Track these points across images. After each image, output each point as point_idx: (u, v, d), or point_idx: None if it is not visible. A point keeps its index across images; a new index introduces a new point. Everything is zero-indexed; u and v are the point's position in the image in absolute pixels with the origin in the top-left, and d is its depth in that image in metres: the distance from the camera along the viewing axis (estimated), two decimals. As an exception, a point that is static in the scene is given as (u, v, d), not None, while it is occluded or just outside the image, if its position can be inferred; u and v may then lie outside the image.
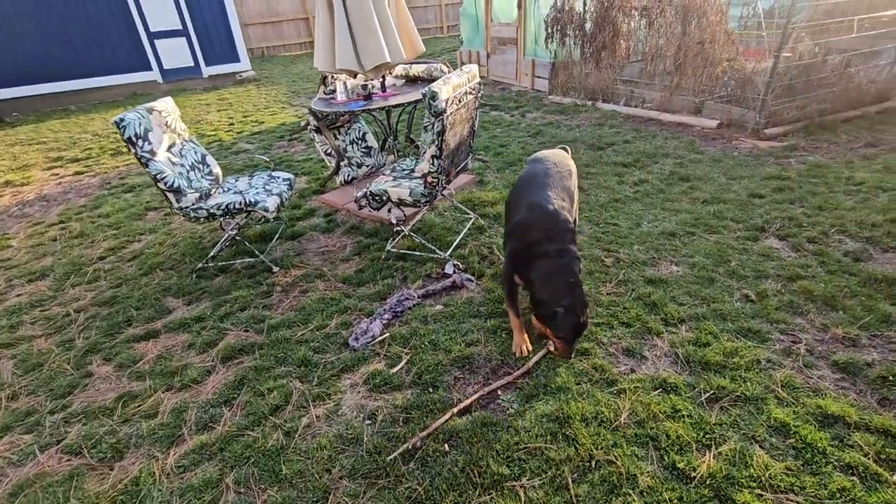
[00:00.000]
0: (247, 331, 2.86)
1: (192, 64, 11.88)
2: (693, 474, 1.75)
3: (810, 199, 3.73)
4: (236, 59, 12.34)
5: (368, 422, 2.14)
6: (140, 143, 3.07)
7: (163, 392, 2.43)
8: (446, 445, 1.97)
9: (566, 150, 2.94)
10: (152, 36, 11.27)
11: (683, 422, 1.97)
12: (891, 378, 2.09)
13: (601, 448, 1.88)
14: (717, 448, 1.85)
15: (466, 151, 3.54)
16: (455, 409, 2.11)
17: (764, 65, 5.29)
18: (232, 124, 8.06)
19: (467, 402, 2.15)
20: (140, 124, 3.08)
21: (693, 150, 4.96)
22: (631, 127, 5.92)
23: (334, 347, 2.64)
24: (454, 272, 3.19)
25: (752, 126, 5.23)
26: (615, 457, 1.84)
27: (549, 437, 1.95)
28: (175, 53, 11.63)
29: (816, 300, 2.62)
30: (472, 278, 3.12)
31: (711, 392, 2.10)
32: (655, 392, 2.13)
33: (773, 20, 5.49)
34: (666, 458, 1.83)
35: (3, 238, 4.47)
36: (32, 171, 6.55)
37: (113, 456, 2.08)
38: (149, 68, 11.45)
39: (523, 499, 1.72)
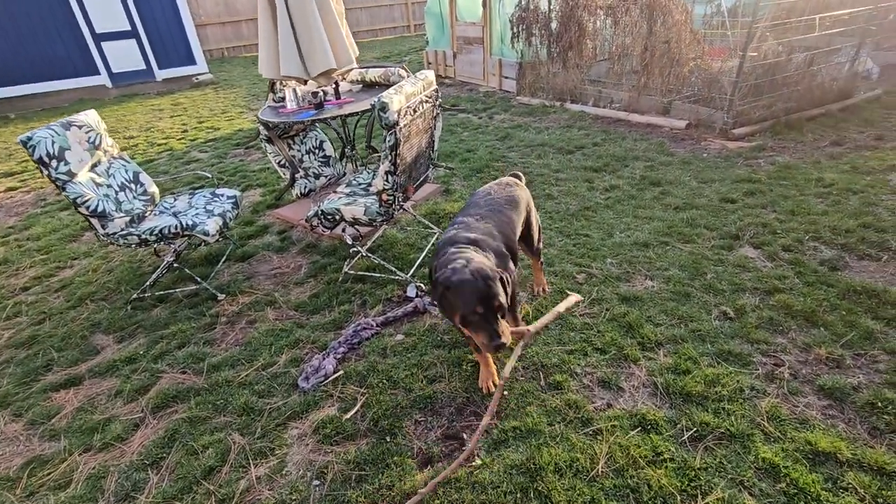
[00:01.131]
0: (184, 372, 2.55)
1: (144, 67, 11.25)
2: (679, 536, 1.56)
3: (782, 202, 3.64)
4: (192, 61, 11.76)
5: (317, 483, 1.88)
6: (54, 163, 2.71)
7: (79, 454, 2.11)
8: (403, 510, 1.73)
9: (518, 178, 2.60)
10: (98, 38, 10.61)
11: (666, 468, 1.78)
12: (879, 405, 1.95)
13: (577, 506, 1.67)
14: (703, 499, 1.67)
15: (426, 164, 3.29)
16: (466, 454, 1.87)
17: (730, 64, 5.23)
18: (185, 131, 7.60)
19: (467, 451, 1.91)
20: (54, 142, 2.73)
21: (663, 153, 4.85)
22: (600, 128, 5.79)
23: (282, 389, 2.36)
24: (416, 295, 2.95)
25: (720, 126, 5.16)
26: (593, 516, 1.63)
27: (518, 495, 1.73)
28: (125, 56, 10.99)
29: (797, 316, 2.49)
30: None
31: (694, 430, 1.92)
32: (634, 431, 1.94)
33: (738, 19, 5.44)
34: (650, 515, 1.63)
35: (-85, 268, 3.99)
36: (-42, 188, 5.98)
37: (10, 542, 1.76)
38: (96, 72, 10.79)
39: (490, 575, 1.49)
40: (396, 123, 2.51)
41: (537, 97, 7.28)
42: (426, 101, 2.88)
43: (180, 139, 7.18)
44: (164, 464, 2.03)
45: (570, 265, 3.11)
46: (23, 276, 3.70)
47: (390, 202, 2.81)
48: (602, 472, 1.79)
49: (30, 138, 2.62)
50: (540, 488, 1.73)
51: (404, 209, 3.15)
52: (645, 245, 3.26)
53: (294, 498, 1.82)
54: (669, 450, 1.85)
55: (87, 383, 2.55)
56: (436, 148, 3.37)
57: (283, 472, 1.94)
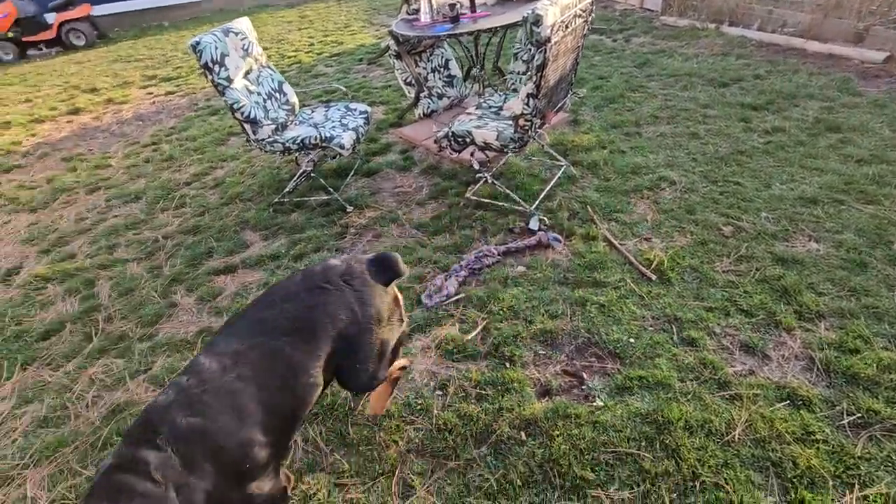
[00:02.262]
0: (319, 274, 2.78)
1: (275, -22, 11.53)
2: (829, 521, 1.43)
3: None
4: (318, -29, 11.79)
5: (439, 393, 2.00)
6: (217, 68, 2.91)
7: (239, 332, 2.44)
8: (523, 434, 1.79)
9: (388, 264, 1.59)
10: (237, -53, 10.96)
11: (817, 448, 1.61)
12: None
13: (708, 466, 1.59)
14: (861, 490, 1.50)
15: (566, 88, 3.04)
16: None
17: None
18: (312, 45, 7.81)
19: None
20: (216, 48, 2.91)
21: (847, 92, 4.01)
22: (764, 58, 4.91)
23: (407, 303, 2.49)
24: (539, 228, 2.86)
25: (935, 61, 4.10)
26: (725, 480, 1.55)
27: (643, 443, 1.69)
28: (258, -34, 11.30)
29: None
30: (560, 238, 2.78)
31: (858, 415, 1.70)
32: (781, 404, 1.77)
33: None
34: (792, 492, 1.51)
35: (105, 157, 4.71)
36: (131, 90, 6.81)
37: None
38: (234, -17, 11.29)
39: (609, 512, 1.51)
40: (548, 40, 2.29)
41: (686, 17, 6.30)
42: (579, 16, 2.58)
43: (308, 52, 7.40)
44: (306, 352, 2.28)
45: (714, 215, 2.79)
46: (185, 173, 4.20)
47: (527, 128, 2.66)
48: (739, 438, 1.67)
49: (198, 43, 2.82)
50: (667, 442, 1.68)
51: (537, 137, 2.99)
52: (812, 201, 2.80)
53: (419, 402, 1.96)
54: (823, 431, 1.67)
55: (241, 272, 2.89)
56: (577, 71, 3.08)
57: (409, 378, 2.08)
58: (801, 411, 1.74)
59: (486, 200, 3.17)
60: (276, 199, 3.49)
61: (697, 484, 1.55)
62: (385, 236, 3.04)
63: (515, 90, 3.34)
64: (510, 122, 2.77)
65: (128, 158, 4.65)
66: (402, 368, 1.89)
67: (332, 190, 3.40)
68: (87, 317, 2.64)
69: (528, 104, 2.55)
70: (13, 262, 3.20)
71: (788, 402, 1.78)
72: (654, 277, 2.42)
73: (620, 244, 2.67)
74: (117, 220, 3.60)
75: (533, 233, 2.84)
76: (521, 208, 3.02)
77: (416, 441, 1.81)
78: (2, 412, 2.12)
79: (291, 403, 1.31)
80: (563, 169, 3.35)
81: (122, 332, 2.53)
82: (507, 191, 3.08)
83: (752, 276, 2.35)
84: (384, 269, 1.56)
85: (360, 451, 1.80)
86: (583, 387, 1.98)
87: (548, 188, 3.17)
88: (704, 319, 2.15)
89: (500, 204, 3.10)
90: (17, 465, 1.89)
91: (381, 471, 1.72)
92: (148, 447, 1.05)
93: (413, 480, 1.68)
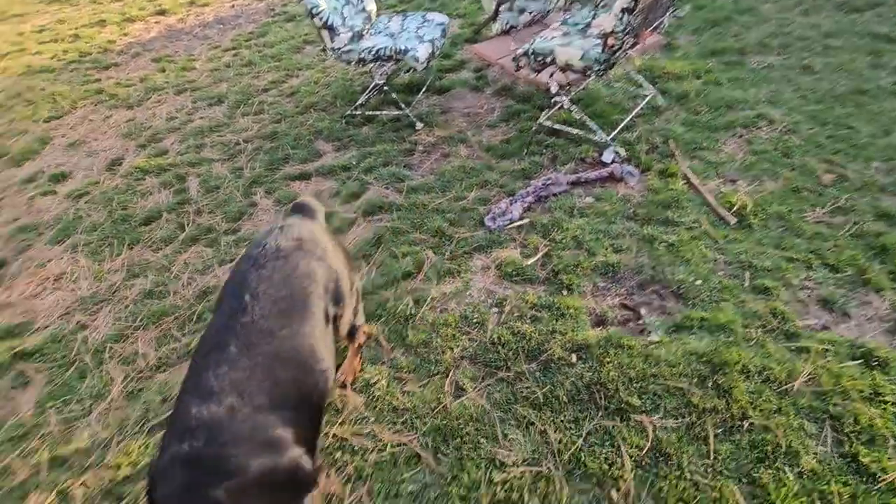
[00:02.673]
0: (387, 188, 2.86)
1: None
2: (881, 476, 1.42)
3: None
4: None
5: (495, 310, 2.08)
6: (298, -32, 2.85)
7: (311, 235, 2.61)
8: (574, 356, 1.85)
9: (304, 210, 1.56)
10: None
11: (884, 409, 1.56)
12: None
13: (760, 410, 1.60)
14: (924, 454, 1.46)
15: (667, 5, 2.73)
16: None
17: None
18: (389, -52, 7.36)
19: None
20: (299, -55, 2.82)
21: None
22: (917, -21, 4.10)
23: (470, 223, 2.53)
24: (614, 160, 2.74)
25: None
26: (776, 425, 1.55)
27: (695, 380, 1.71)
28: None
29: None
30: (635, 172, 2.65)
31: (939, 384, 1.61)
32: (853, 362, 1.70)
33: None
34: (847, 445, 1.50)
35: (190, 59, 4.88)
36: (211, -8, 6.84)
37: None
38: None
39: (650, 436, 1.57)
40: (656, -57, 2.03)
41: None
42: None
43: (385, -43, 7.01)
44: (372, 259, 2.41)
45: (815, 160, 2.53)
46: (263, 79, 4.29)
47: (616, 48, 2.45)
48: (799, 389, 1.64)
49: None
50: (721, 382, 1.68)
51: (625, 60, 2.76)
52: (939, 154, 2.46)
53: (475, 316, 2.05)
54: (895, 394, 1.60)
55: (314, 180, 3.03)
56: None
57: (467, 293, 2.17)
58: (875, 372, 1.66)
59: (560, 127, 3.03)
60: (349, 112, 3.53)
61: (745, 424, 1.57)
62: (453, 156, 3.03)
63: (606, 5, 3.04)
64: (598, 41, 2.56)
65: (210, 62, 4.79)
66: (368, 336, 1.91)
67: (402, 105, 3.37)
68: (180, 208, 2.91)
69: (621, 20, 2.33)
70: (116, 154, 3.52)
71: (862, 361, 1.70)
72: (733, 221, 2.28)
73: (701, 184, 2.51)
74: (202, 122, 3.80)
75: (606, 165, 2.73)
76: (596, 138, 2.88)
77: (470, 350, 1.92)
78: (115, 282, 2.46)
79: (313, 392, 1.20)
80: (648, 98, 3.10)
81: (209, 224, 2.77)
82: (585, 118, 2.92)
83: (846, 231, 2.16)
84: (305, 213, 1.53)
85: (417, 352, 1.95)
86: (639, 321, 1.98)
87: (629, 118, 2.97)
88: (782, 270, 2.04)
89: (575, 132, 2.97)
90: (130, 326, 2.21)
91: (435, 371, 1.87)
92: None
93: (465, 384, 1.81)
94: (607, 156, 2.77)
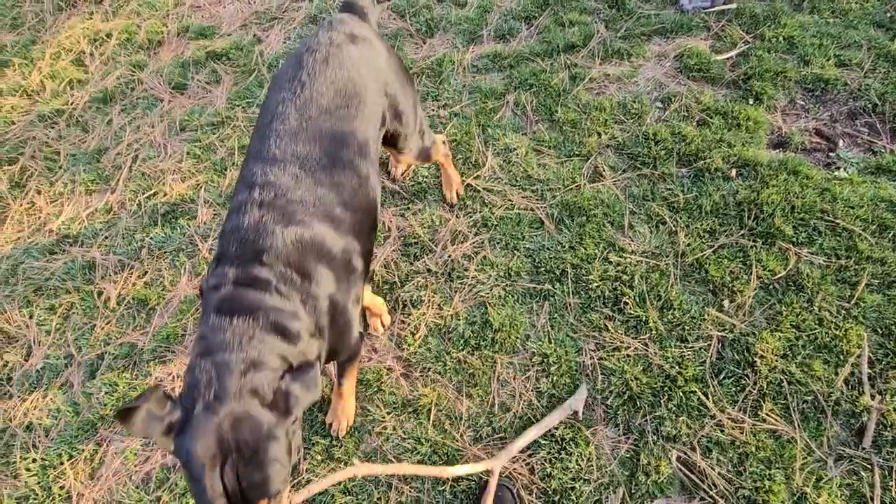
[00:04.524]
0: (569, -62, 2.38)
1: None
2: None
3: None
4: None
5: (659, 105, 1.87)
6: None
7: (474, -17, 2.37)
8: (733, 172, 1.67)
9: (358, 10, 1.28)
10: None
11: None
12: None
13: (939, 274, 1.40)
14: None
15: None
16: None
17: None
18: None
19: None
20: None
21: None
22: None
23: (659, 2, 2.10)
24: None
25: None
26: (951, 293, 1.37)
27: (872, 227, 1.50)
28: None
29: None
30: (923, -41, 1.90)
31: None
32: None
33: None
34: None
35: None
36: None
37: (426, 31, 2.26)
38: None
39: (791, 265, 1.48)
40: None
41: None
42: None
43: None
44: (535, 23, 2.18)
45: None
46: None
47: None
48: None
49: None
50: (905, 236, 1.46)
51: None
52: None
53: (634, 107, 1.87)
54: None
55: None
56: None
57: (633, 81, 1.94)
58: None
59: None
60: None
61: (911, 283, 1.41)
62: None
63: None
64: None
65: None
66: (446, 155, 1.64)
67: None
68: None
69: None
70: None
71: None
72: None
73: None
74: None
75: (882, -58, 1.97)
76: None
77: (619, 140, 1.81)
78: (284, 2, 2.52)
79: (366, 205, 1.13)
80: None
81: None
82: None
83: None
84: (356, 11, 1.29)
85: (563, 130, 1.88)
86: (831, 154, 1.69)
87: None
88: None
89: None
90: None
91: (577, 153, 1.82)
92: (259, 266, 0.93)
93: (604, 170, 1.76)
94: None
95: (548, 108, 1.94)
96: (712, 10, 2.01)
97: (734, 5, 1.99)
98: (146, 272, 1.79)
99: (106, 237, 1.90)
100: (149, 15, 2.63)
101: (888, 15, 1.85)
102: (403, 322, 1.57)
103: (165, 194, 1.97)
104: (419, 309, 1.58)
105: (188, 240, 1.85)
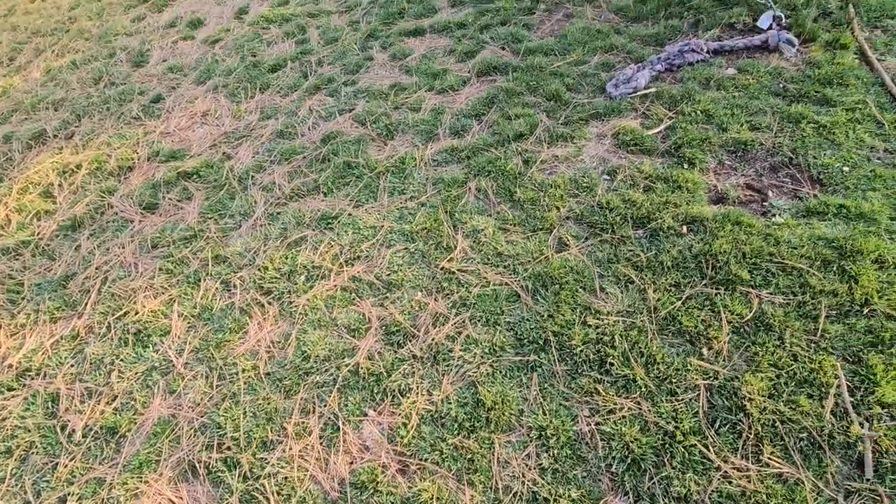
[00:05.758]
0: (503, 48, 2.74)
1: None
2: None
3: None
4: None
5: (607, 177, 2.05)
6: None
7: (425, 91, 2.64)
8: (684, 228, 1.82)
9: None
10: None
11: None
12: None
13: (886, 299, 1.51)
14: None
15: None
16: (709, 195, 1.85)
17: None
18: None
19: (727, 192, 1.84)
20: None
21: None
22: None
23: (589, 89, 2.40)
24: (770, 27, 2.36)
25: None
26: (902, 315, 1.48)
27: (817, 263, 1.62)
28: None
29: None
30: (795, 41, 2.29)
31: None
32: None
33: None
34: (982, 344, 1.40)
35: None
36: None
37: (387, 134, 2.46)
38: None
39: (754, 308, 1.57)
40: None
41: None
42: None
43: None
44: (484, 119, 2.42)
45: None
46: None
47: None
48: (941, 285, 1.51)
49: None
50: (847, 268, 1.59)
51: None
52: None
53: (585, 181, 2.05)
54: None
55: (428, 36, 2.96)
56: None
57: (579, 159, 2.14)
58: None
59: (711, -15, 2.62)
60: (468, -37, 3.28)
61: (866, 310, 1.50)
62: (577, 17, 2.79)
63: None
64: None
65: None
66: None
67: (528, -45, 3.06)
68: (303, 57, 3.03)
69: None
70: (242, 2, 3.65)
71: None
72: (910, 104, 1.95)
73: (879, 59, 2.12)
74: (319, -27, 3.75)
75: (760, 31, 2.37)
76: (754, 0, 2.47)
77: (577, 211, 1.95)
78: (252, 122, 2.72)
79: None
80: (833, -50, 2.53)
81: (330, 75, 2.88)
82: (744, -27, 2.48)
83: None
84: None
85: (524, 208, 2.02)
86: (764, 203, 1.87)
87: (801, -24, 2.48)
88: (960, 163, 1.76)
89: (728, -9, 2.55)
90: (266, 160, 2.49)
91: (541, 227, 1.94)
92: None
93: (568, 240, 1.87)
94: (764, 21, 2.39)
95: (507, 190, 2.09)
96: (636, 94, 2.30)
97: (653, 89, 2.29)
98: (115, 397, 1.70)
99: (72, 365, 1.81)
100: (119, 144, 2.75)
101: (781, 86, 2.17)
102: (394, 413, 1.53)
103: (137, 312, 1.93)
104: (408, 397, 1.55)
105: (161, 356, 1.79)
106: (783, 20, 2.37)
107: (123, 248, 2.21)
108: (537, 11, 2.89)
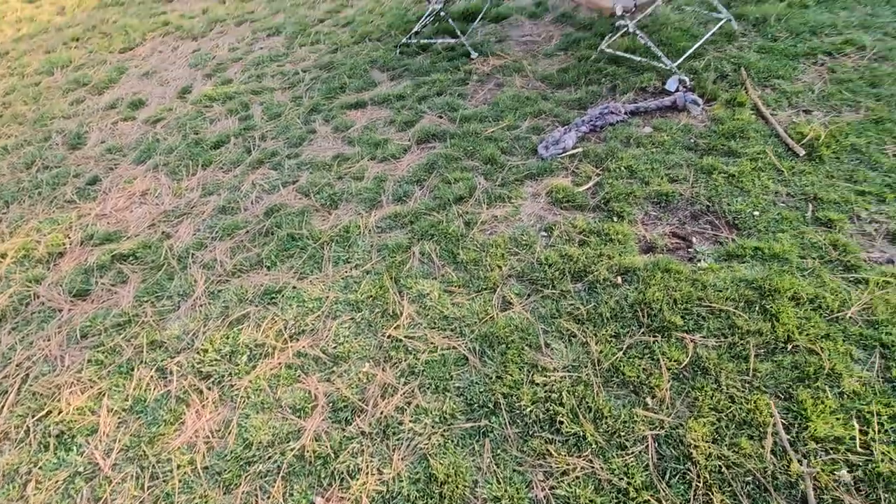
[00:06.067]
0: (440, 117, 2.89)
1: None
2: (926, 400, 1.42)
3: None
4: None
5: (544, 234, 2.14)
6: None
7: (368, 160, 2.71)
8: (619, 278, 1.90)
9: None
10: None
11: (941, 340, 1.53)
12: None
13: (806, 334, 1.60)
14: (979, 383, 1.44)
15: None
16: (638, 246, 1.95)
17: None
18: None
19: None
20: None
21: None
22: None
23: (522, 152, 2.54)
24: (677, 90, 2.62)
25: None
26: (821, 349, 1.57)
27: (742, 304, 1.72)
28: None
29: None
30: (699, 101, 2.54)
31: None
32: (915, 295, 1.65)
33: None
34: (895, 370, 1.50)
35: (247, -10, 4.93)
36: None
37: (331, 204, 2.49)
38: None
39: (690, 353, 1.63)
40: None
41: None
42: None
43: None
44: (425, 184, 2.50)
45: (906, 90, 2.31)
46: (318, 10, 4.30)
47: (690, -37, 2.28)
48: (851, 317, 1.63)
49: None
50: (768, 307, 1.69)
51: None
52: None
53: (524, 239, 2.12)
54: (957, 326, 1.56)
55: (370, 108, 3.09)
56: None
57: (517, 218, 2.23)
58: (937, 305, 1.61)
59: (622, 54, 2.90)
60: (403, 41, 3.51)
61: (789, 346, 1.59)
62: (507, 86, 2.99)
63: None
64: (671, -44, 2.39)
65: (267, -7, 4.82)
66: None
67: (459, 33, 3.32)
68: (246, 133, 3.08)
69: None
70: (185, 83, 3.72)
71: (925, 294, 1.65)
72: (802, 153, 2.18)
73: (772, 113, 2.38)
74: (262, 52, 3.90)
75: (669, 93, 2.62)
76: (660, 66, 2.75)
77: (518, 269, 2.01)
78: (193, 199, 2.69)
79: None
80: (721, 22, 2.89)
81: (273, 149, 2.93)
82: (650, 44, 2.78)
83: (931, 164, 2.02)
84: None
85: (467, 269, 2.06)
86: (689, 249, 1.99)
87: (698, 45, 2.80)
88: (850, 202, 1.95)
89: (638, 59, 2.84)
90: (208, 237, 2.45)
91: (484, 287, 1.97)
92: None
93: (511, 298, 1.91)
94: (671, 84, 2.65)
95: (450, 252, 2.13)
96: (565, 155, 2.45)
97: (580, 149, 2.45)
98: (31, 512, 1.53)
99: (-19, 479, 1.63)
100: (50, 230, 2.65)
101: (692, 141, 2.38)
102: (343, 498, 1.45)
103: (60, 411, 1.78)
104: (358, 478, 1.47)
105: (87, 459, 1.65)
106: (688, 83, 2.64)
107: (49, 340, 2.07)
108: (470, 82, 3.10)
